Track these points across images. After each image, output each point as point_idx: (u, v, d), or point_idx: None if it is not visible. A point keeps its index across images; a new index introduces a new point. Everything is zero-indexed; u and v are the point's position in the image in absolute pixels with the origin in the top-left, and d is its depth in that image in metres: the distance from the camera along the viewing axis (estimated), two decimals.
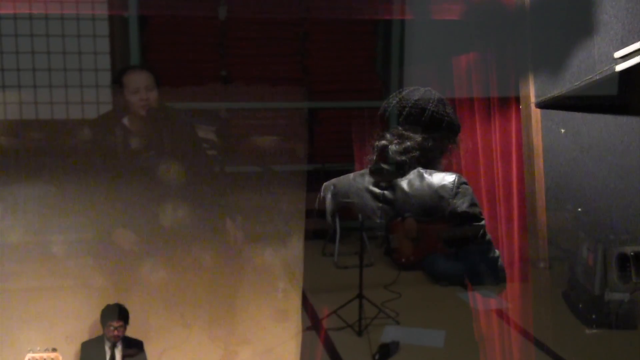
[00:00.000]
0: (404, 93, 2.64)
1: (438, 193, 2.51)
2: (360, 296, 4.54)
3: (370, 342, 4.29)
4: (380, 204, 2.71)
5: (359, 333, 4.39)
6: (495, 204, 4.45)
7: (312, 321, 4.50)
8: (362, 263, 4.59)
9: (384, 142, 2.62)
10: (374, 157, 2.67)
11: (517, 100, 4.25)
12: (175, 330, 4.17)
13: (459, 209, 2.45)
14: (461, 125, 2.70)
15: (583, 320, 4.29)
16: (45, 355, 3.63)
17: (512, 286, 4.42)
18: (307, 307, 4.38)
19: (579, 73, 3.75)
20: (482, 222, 2.46)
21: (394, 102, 2.64)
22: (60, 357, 3.70)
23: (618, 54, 3.30)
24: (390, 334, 4.39)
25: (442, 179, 2.52)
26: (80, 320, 4.11)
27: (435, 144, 2.60)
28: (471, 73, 4.54)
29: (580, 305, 4.37)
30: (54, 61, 4.57)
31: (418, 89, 2.67)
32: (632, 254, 3.56)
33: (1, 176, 4.10)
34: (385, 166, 2.64)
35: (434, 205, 2.55)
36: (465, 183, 2.51)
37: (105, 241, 4.13)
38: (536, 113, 4.13)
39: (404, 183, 2.60)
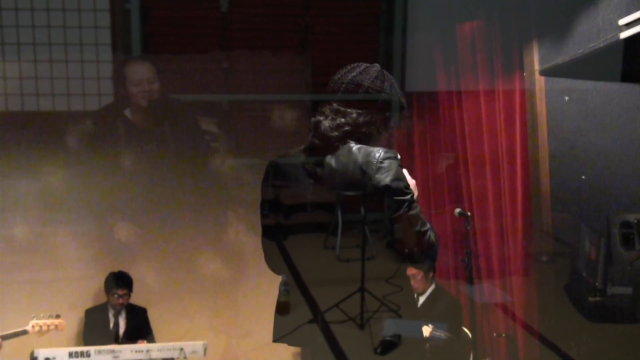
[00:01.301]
0: (345, 70, 2.64)
1: (361, 168, 2.50)
2: (362, 289, 4.53)
3: (372, 336, 4.28)
4: (311, 181, 2.71)
5: (361, 326, 4.39)
6: (498, 172, 4.43)
7: (313, 314, 4.49)
8: (364, 256, 4.59)
9: (319, 117, 2.62)
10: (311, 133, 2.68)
11: (521, 67, 4.22)
12: (178, 322, 4.18)
13: (381, 184, 2.43)
14: (406, 103, 2.65)
15: (585, 314, 4.28)
16: (49, 321, 3.65)
17: (516, 278, 4.42)
18: (309, 300, 4.37)
19: (583, 40, 3.72)
20: (407, 197, 2.43)
21: (335, 78, 2.64)
22: (64, 323, 3.71)
23: (622, 22, 3.27)
24: (392, 327, 4.39)
25: (368, 154, 2.50)
26: (84, 288, 4.11)
27: (371, 120, 2.58)
28: (475, 40, 4.51)
29: (582, 299, 4.37)
30: (55, 52, 4.55)
31: (360, 65, 2.66)
32: (635, 221, 3.55)
33: (3, 168, 4.10)
34: (317, 142, 2.64)
35: (358, 180, 2.54)
36: (390, 158, 2.46)
37: (106, 234, 4.13)
38: (540, 80, 4.11)
39: (333, 159, 2.60)
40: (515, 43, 4.25)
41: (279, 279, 4.40)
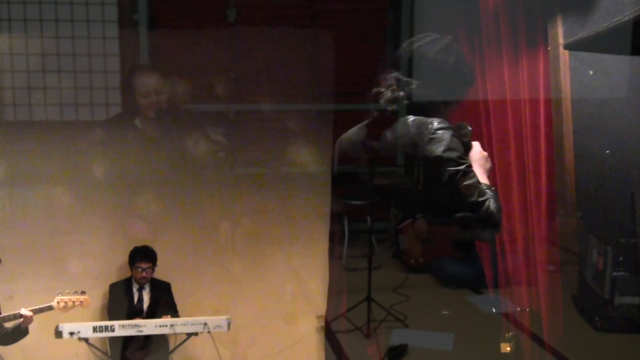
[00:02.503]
0: (415, 38, 2.61)
1: (414, 140, 2.47)
2: (368, 299, 4.55)
3: (378, 345, 4.29)
4: (368, 155, 2.70)
5: (368, 336, 4.40)
6: (522, 146, 4.39)
7: (320, 324, 4.50)
8: (371, 266, 4.60)
9: (379, 88, 2.61)
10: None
11: (546, 41, 4.16)
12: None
13: (433, 154, 2.39)
14: (473, 79, 2.59)
15: (593, 324, 4.28)
16: (74, 297, 3.64)
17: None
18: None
19: (607, 14, 3.64)
20: (461, 167, 2.39)
21: (404, 45, 2.62)
22: (89, 300, 3.72)
23: None
24: (398, 336, 4.39)
25: (421, 125, 2.47)
26: (108, 262, 4.12)
27: (433, 93, 2.56)
28: (499, 15, 4.45)
29: (590, 309, 4.37)
30: (64, 62, 4.58)
31: (430, 35, 2.62)
32: None
33: (11, 177, 4.12)
34: (376, 115, 2.63)
35: (411, 153, 2.51)
36: (444, 129, 2.42)
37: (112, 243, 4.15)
38: (564, 55, 4.04)
39: (389, 132, 2.58)
40: (540, 17, 4.18)
41: (286, 286, 4.43)
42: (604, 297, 4.19)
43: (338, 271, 5.15)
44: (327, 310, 4.38)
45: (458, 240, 4.83)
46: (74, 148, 4.13)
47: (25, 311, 3.47)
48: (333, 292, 4.41)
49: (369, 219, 4.93)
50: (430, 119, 2.44)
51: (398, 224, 5.39)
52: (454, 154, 2.37)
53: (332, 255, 5.36)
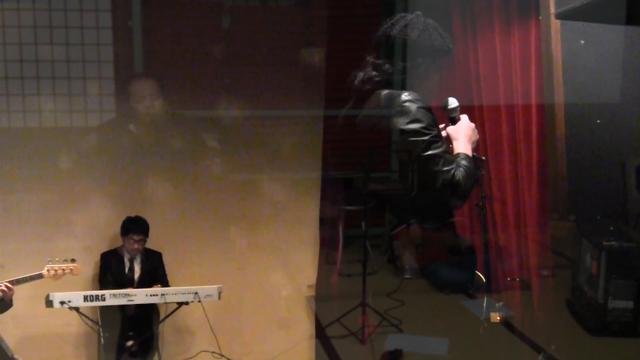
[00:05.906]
0: (388, 24, 2.69)
1: (383, 114, 2.52)
2: (363, 304, 4.56)
3: (373, 350, 4.29)
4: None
5: (362, 341, 4.40)
6: (513, 116, 4.40)
7: (315, 329, 4.50)
8: (366, 271, 4.61)
9: (357, 71, 2.68)
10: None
11: (537, 10, 4.15)
12: (180, 339, 4.18)
13: (397, 127, 2.43)
14: (444, 49, 2.59)
15: (586, 328, 4.29)
16: (64, 265, 3.63)
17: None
18: (311, 315, 4.38)
19: None
20: (425, 137, 2.41)
21: (380, 33, 2.71)
22: (79, 267, 3.70)
23: None
24: (393, 341, 4.40)
25: (391, 98, 2.52)
26: (99, 232, 4.11)
27: (406, 70, 2.61)
28: None
29: (584, 313, 4.38)
30: (58, 69, 4.58)
31: (395, 16, 2.70)
32: None
33: (5, 184, 4.12)
34: (354, 95, 2.69)
35: (380, 124, 2.56)
36: (411, 101, 2.44)
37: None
38: (556, 24, 4.06)
39: (365, 110, 2.64)
40: None
41: (280, 295, 4.43)
42: (597, 301, 4.20)
43: (332, 276, 5.17)
44: (321, 315, 4.38)
45: (452, 245, 4.84)
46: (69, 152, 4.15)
47: (1, 285, 3.42)
48: (327, 297, 4.42)
49: (363, 224, 4.93)
50: (400, 92, 2.49)
51: (392, 229, 5.40)
52: (417, 125, 2.40)
53: (327, 261, 5.37)
